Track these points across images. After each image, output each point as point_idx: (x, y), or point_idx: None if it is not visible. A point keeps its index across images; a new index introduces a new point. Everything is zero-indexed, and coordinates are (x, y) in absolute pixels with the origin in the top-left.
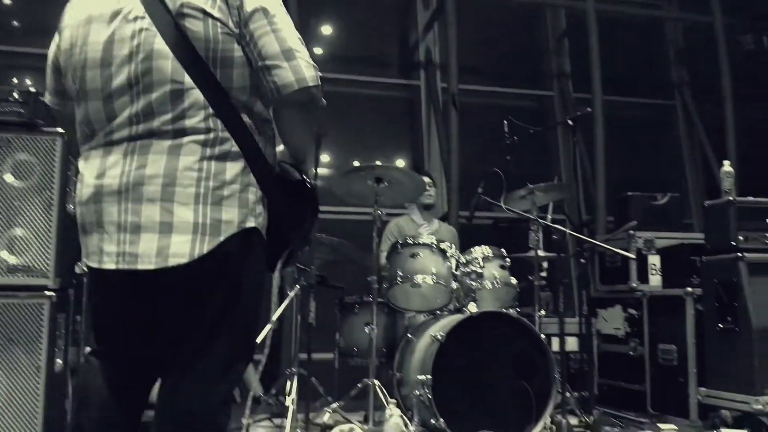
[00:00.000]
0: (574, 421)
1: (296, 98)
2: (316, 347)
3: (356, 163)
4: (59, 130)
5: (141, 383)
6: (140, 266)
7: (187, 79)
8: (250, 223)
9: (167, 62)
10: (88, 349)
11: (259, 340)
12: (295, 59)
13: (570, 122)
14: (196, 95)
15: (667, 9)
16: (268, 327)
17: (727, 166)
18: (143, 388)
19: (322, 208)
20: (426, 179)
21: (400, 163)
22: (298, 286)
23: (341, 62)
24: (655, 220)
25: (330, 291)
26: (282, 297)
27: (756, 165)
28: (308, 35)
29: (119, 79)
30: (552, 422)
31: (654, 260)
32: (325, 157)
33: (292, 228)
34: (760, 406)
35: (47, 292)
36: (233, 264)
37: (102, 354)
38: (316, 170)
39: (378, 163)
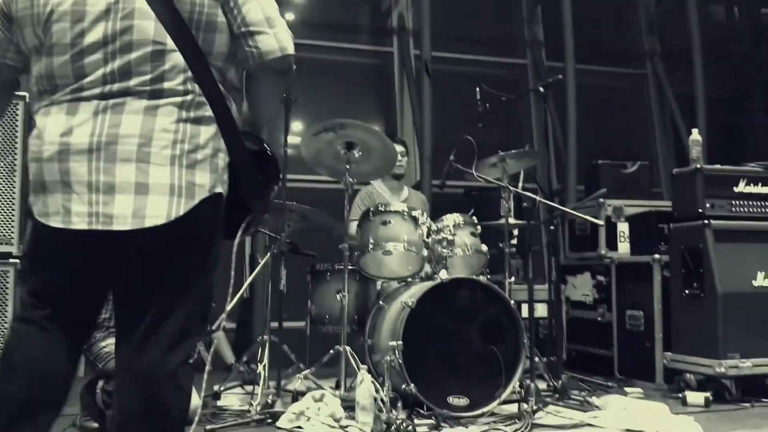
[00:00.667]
0: (542, 385)
1: (276, 65)
2: (287, 315)
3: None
4: (21, 93)
5: (72, 351)
6: (115, 227)
7: (169, 41)
8: (219, 189)
9: (149, 23)
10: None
11: (228, 308)
12: (277, 27)
13: (541, 90)
14: (177, 58)
15: None
16: (237, 295)
17: (695, 135)
18: (74, 357)
19: (293, 176)
20: (398, 147)
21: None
22: (269, 254)
23: (312, 28)
24: (624, 188)
25: (301, 259)
26: (253, 265)
27: (726, 134)
28: (280, 1)
29: (92, 36)
30: (521, 386)
31: (623, 228)
32: (296, 125)
33: (253, 196)
34: (722, 370)
35: (12, 260)
36: (204, 228)
37: (39, 319)
38: (286, 137)
39: (349, 120)
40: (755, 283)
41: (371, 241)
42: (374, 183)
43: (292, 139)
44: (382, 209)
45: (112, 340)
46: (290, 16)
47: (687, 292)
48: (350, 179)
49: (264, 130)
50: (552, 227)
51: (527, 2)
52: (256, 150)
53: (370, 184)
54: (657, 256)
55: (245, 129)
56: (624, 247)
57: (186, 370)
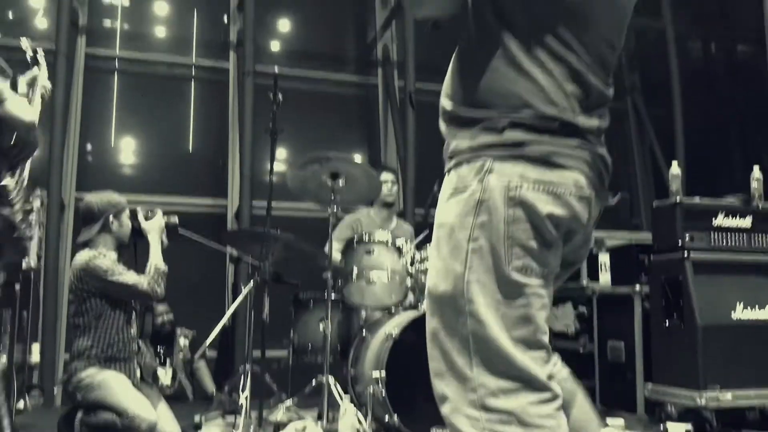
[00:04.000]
0: None
1: None
2: (270, 344)
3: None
4: None
5: None
6: None
7: None
8: None
9: None
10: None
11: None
12: None
13: None
14: None
15: None
16: (220, 324)
17: (674, 168)
18: None
19: (278, 203)
20: (388, 175)
21: (357, 159)
22: (251, 282)
23: (299, 59)
24: (605, 220)
25: (284, 287)
26: (236, 293)
27: (704, 165)
28: (266, 31)
29: None
30: None
31: (604, 258)
32: (281, 153)
33: None
34: (703, 401)
35: None
36: None
37: None
38: (271, 166)
39: (334, 153)
40: (734, 316)
41: (355, 269)
42: (364, 211)
43: (278, 167)
44: (366, 239)
45: (92, 371)
46: (276, 46)
47: (667, 323)
48: (335, 208)
49: None
50: None
51: None
52: None
53: (359, 211)
54: (638, 287)
55: None
56: (605, 278)
57: None
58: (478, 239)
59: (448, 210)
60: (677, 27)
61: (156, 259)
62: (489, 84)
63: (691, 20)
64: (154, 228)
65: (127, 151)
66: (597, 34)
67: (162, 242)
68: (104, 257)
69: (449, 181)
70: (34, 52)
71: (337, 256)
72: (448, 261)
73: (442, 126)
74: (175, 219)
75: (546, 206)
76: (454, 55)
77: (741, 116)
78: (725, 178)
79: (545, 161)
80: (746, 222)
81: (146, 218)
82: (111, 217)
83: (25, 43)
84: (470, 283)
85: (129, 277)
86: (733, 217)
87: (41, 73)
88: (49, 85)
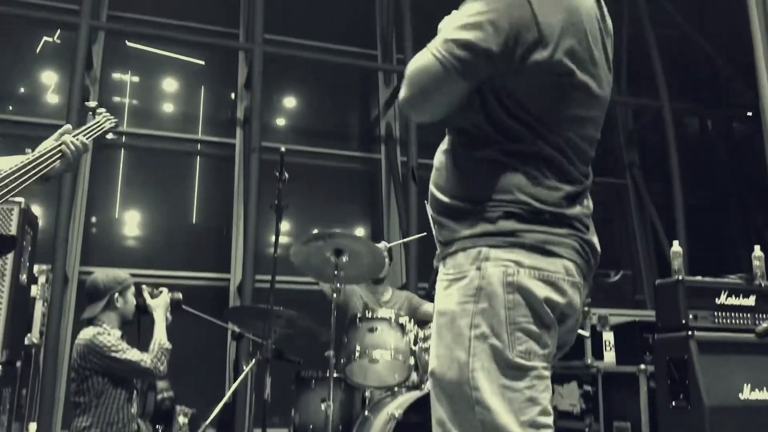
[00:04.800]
0: None
1: None
2: (271, 423)
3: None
4: (17, 199)
5: None
6: None
7: None
8: None
9: None
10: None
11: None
12: None
13: None
14: None
15: (618, 94)
16: (221, 402)
17: (675, 246)
18: None
19: (281, 277)
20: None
21: (360, 232)
22: (253, 360)
23: (304, 134)
24: (608, 297)
25: (286, 365)
26: (237, 371)
27: (705, 242)
28: (272, 108)
29: None
30: None
31: (608, 337)
32: (284, 226)
33: None
34: None
35: None
36: None
37: None
38: (276, 240)
39: (338, 230)
40: (742, 396)
41: (357, 348)
42: (356, 287)
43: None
44: (369, 315)
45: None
46: (282, 122)
47: (674, 404)
48: (338, 285)
49: None
50: None
51: None
52: None
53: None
54: (643, 366)
55: None
56: (610, 357)
57: None
58: (479, 326)
59: (447, 298)
60: (674, 106)
61: (160, 337)
62: (484, 179)
63: (688, 100)
64: (160, 305)
65: (131, 224)
66: (584, 133)
67: (167, 319)
68: (108, 334)
69: (445, 270)
70: (94, 109)
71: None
72: (452, 349)
73: (433, 214)
74: (178, 295)
75: (543, 291)
76: (444, 152)
77: (740, 194)
78: (727, 255)
79: (539, 249)
80: (749, 301)
81: (152, 296)
82: (116, 295)
83: (91, 103)
84: (475, 370)
85: (132, 354)
86: (736, 296)
87: (91, 126)
88: (84, 140)
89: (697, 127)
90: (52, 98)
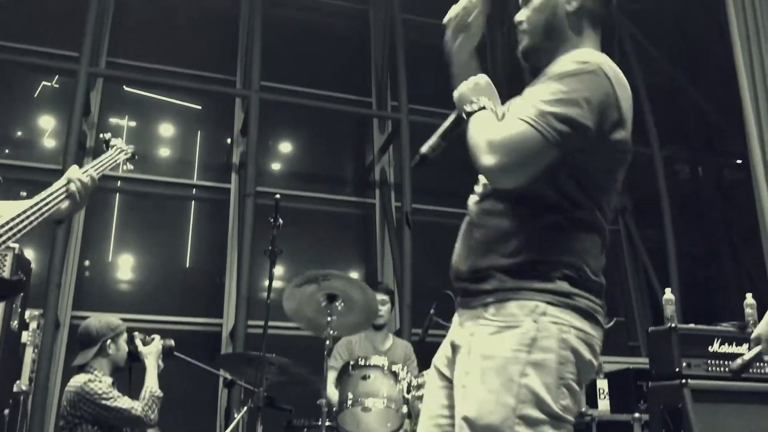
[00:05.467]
0: None
1: None
2: None
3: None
4: (12, 244)
5: None
6: None
7: None
8: None
9: None
10: None
11: None
12: None
13: None
14: None
15: None
16: None
17: (668, 294)
18: None
19: (274, 323)
20: (380, 296)
21: (355, 277)
22: (245, 408)
23: (299, 179)
24: (602, 344)
25: (278, 413)
26: (228, 419)
27: (698, 288)
28: (268, 153)
29: None
30: None
31: (602, 384)
32: (278, 270)
33: None
34: None
35: None
36: None
37: None
38: (269, 289)
39: (332, 272)
40: None
41: (350, 396)
42: (356, 336)
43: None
44: (362, 363)
45: None
46: (277, 166)
47: None
48: (331, 332)
49: None
50: None
51: None
52: None
53: (353, 335)
54: (637, 414)
55: None
56: (604, 405)
57: None
58: (530, 375)
59: (498, 343)
60: (665, 153)
61: (152, 384)
62: (548, 243)
63: (679, 147)
64: (152, 353)
65: (125, 269)
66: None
67: (158, 366)
68: (99, 381)
69: (490, 315)
70: (108, 141)
71: (332, 390)
72: (500, 394)
73: (479, 264)
74: (170, 342)
75: (587, 354)
76: (501, 214)
77: (732, 241)
78: (719, 302)
79: (587, 314)
80: (743, 349)
81: (144, 343)
82: (108, 341)
83: (105, 135)
84: (521, 417)
85: (123, 402)
86: (729, 344)
87: (103, 161)
88: (93, 174)
89: (688, 173)
90: (49, 142)
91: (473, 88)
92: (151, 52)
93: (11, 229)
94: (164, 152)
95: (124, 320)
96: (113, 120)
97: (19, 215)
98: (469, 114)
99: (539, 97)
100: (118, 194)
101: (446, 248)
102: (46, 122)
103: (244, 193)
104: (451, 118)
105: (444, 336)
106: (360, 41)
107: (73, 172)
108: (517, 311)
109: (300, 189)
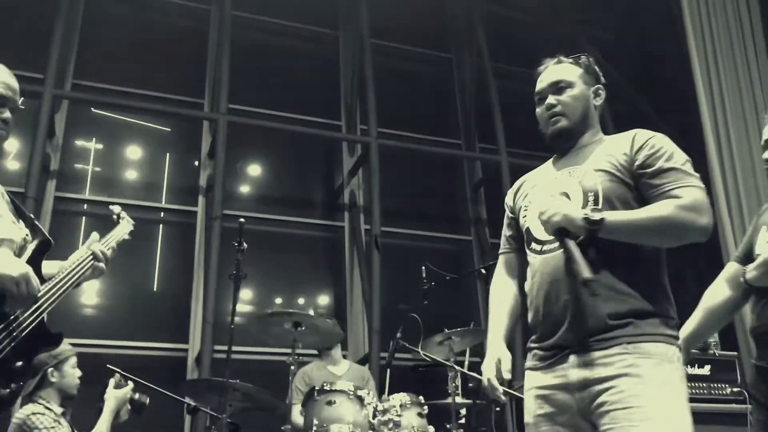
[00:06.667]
0: None
1: None
2: None
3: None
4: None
5: None
6: None
7: None
8: None
9: None
10: None
11: None
12: None
13: (483, 271)
14: None
15: None
16: None
17: None
18: None
19: (238, 347)
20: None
21: (323, 300)
22: None
23: (268, 202)
24: None
25: None
26: None
27: None
28: (235, 176)
29: None
30: None
31: None
32: (246, 294)
33: None
34: None
35: None
36: None
37: None
38: (233, 314)
39: (295, 311)
40: None
41: (315, 422)
42: (311, 365)
43: (243, 308)
44: (327, 387)
45: None
46: (246, 189)
47: None
48: (296, 356)
49: None
50: (498, 408)
51: (470, 182)
52: None
53: (308, 364)
54: None
55: None
56: None
57: None
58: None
59: (671, 373)
60: None
61: (101, 428)
62: (667, 297)
63: None
64: (115, 398)
65: (90, 293)
66: None
67: (119, 416)
68: (42, 414)
69: (645, 350)
70: (118, 214)
71: (298, 419)
72: (685, 414)
73: (617, 310)
74: (145, 399)
75: None
76: (631, 268)
77: (696, 265)
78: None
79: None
80: (704, 370)
81: (116, 386)
82: (50, 370)
83: (115, 209)
84: None
85: None
86: (691, 366)
87: (116, 234)
88: (114, 246)
89: None
90: (12, 165)
91: (561, 200)
92: (118, 75)
93: (47, 300)
94: (131, 175)
95: (90, 346)
96: (79, 143)
97: (56, 284)
98: (599, 220)
99: (679, 161)
100: (84, 217)
101: (415, 271)
102: (10, 144)
103: (211, 216)
104: (580, 239)
105: (411, 359)
106: (329, 65)
107: (96, 245)
108: (665, 351)
109: (269, 212)
